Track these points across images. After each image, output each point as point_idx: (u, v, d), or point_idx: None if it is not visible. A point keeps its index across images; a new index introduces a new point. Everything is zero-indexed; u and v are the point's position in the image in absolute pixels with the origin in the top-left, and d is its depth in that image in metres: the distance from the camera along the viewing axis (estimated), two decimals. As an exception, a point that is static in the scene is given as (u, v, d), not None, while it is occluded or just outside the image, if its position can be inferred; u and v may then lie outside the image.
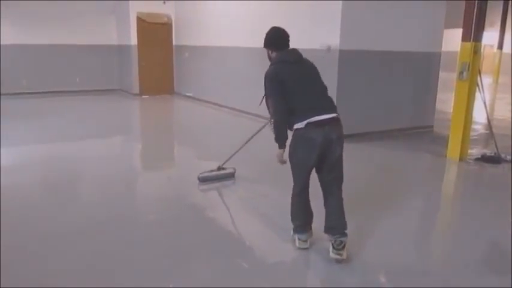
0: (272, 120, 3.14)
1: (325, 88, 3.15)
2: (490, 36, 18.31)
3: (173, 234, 3.56)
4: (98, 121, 8.70)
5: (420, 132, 7.59)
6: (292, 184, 3.19)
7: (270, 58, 3.27)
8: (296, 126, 3.00)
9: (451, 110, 6.00)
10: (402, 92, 7.49)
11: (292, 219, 3.28)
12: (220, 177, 4.78)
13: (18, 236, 3.45)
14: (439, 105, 8.31)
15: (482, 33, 5.60)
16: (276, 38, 3.25)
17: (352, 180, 4.78)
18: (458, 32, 6.14)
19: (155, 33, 11.90)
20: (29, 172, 5.18)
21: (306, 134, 2.97)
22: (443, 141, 6.36)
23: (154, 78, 12.10)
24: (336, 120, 3.02)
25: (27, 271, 2.94)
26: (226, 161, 4.80)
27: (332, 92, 3.16)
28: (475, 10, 5.44)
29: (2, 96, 10.58)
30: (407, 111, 7.62)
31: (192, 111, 10.31)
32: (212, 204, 4.33)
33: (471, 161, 5.86)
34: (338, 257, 3.01)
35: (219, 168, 4.81)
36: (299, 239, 3.26)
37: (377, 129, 7.23)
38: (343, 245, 3.03)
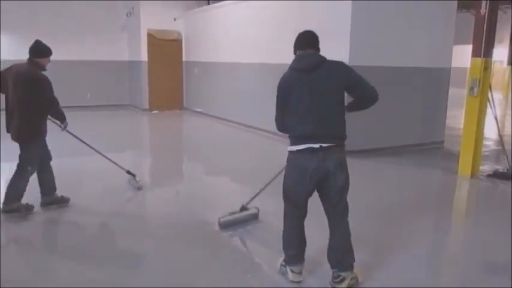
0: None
1: (335, 106, 2.77)
2: (499, 53, 18.27)
3: (182, 250, 3.55)
4: (108, 136, 8.76)
5: (430, 149, 7.53)
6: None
7: None
8: (289, 148, 2.81)
9: (462, 126, 5.95)
10: (412, 108, 7.47)
11: (284, 248, 2.99)
12: (243, 219, 4.05)
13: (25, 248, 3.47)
14: (449, 121, 8.26)
15: (492, 49, 5.60)
16: (298, 39, 2.95)
17: (361, 198, 4.77)
18: (468, 48, 6.15)
19: (165, 50, 12.05)
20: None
21: (297, 160, 2.77)
22: (454, 157, 6.30)
23: (164, 94, 12.20)
24: (334, 147, 2.72)
25: None
26: (251, 200, 4.09)
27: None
28: (485, 26, 5.45)
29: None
30: (417, 127, 7.58)
31: (202, 126, 10.36)
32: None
33: (483, 177, 5.79)
34: None
35: (242, 209, 4.09)
36: (292, 271, 2.94)
37: (387, 145, 7.19)
38: (340, 278, 2.84)
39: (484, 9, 5.42)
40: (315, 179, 2.75)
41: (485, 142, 6.87)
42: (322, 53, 2.93)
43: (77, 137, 4.73)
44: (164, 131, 10.14)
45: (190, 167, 6.86)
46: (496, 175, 5.79)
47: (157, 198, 5.12)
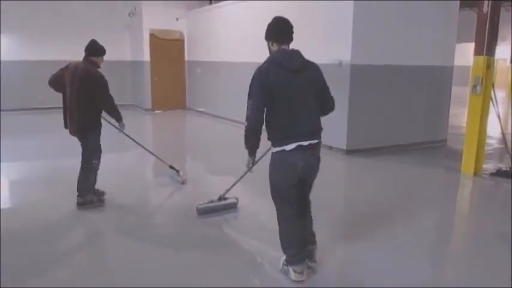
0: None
1: (316, 104, 2.84)
2: (502, 51, 18.17)
3: (183, 249, 3.56)
4: (110, 136, 8.76)
5: (433, 147, 7.52)
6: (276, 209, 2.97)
7: (270, 52, 2.90)
8: (276, 149, 2.79)
9: (465, 124, 5.94)
10: (415, 106, 7.45)
11: (283, 248, 2.97)
12: (222, 208, 4.31)
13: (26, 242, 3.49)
14: (452, 120, 8.23)
15: (495, 47, 5.58)
16: (277, 28, 2.85)
17: (364, 196, 4.78)
18: (471, 46, 6.13)
19: (168, 50, 12.07)
20: (44, 186, 5.23)
21: (286, 159, 2.76)
22: (457, 155, 6.29)
23: (166, 94, 12.22)
24: (318, 143, 2.83)
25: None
26: (228, 190, 4.34)
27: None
28: (488, 24, 5.43)
29: (18, 112, 10.83)
30: (420, 126, 7.56)
31: (204, 126, 10.36)
32: (223, 218, 4.31)
33: (486, 175, 5.77)
34: (314, 263, 3.08)
35: (220, 198, 4.33)
36: (294, 271, 2.92)
37: (389, 143, 7.18)
38: (315, 251, 3.09)
39: (486, 8, 5.41)
40: (301, 175, 2.82)
41: (488, 140, 6.85)
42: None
43: (132, 138, 5.34)
44: (167, 130, 10.15)
45: (193, 166, 6.86)
46: (499, 173, 5.77)
47: (160, 196, 5.14)
